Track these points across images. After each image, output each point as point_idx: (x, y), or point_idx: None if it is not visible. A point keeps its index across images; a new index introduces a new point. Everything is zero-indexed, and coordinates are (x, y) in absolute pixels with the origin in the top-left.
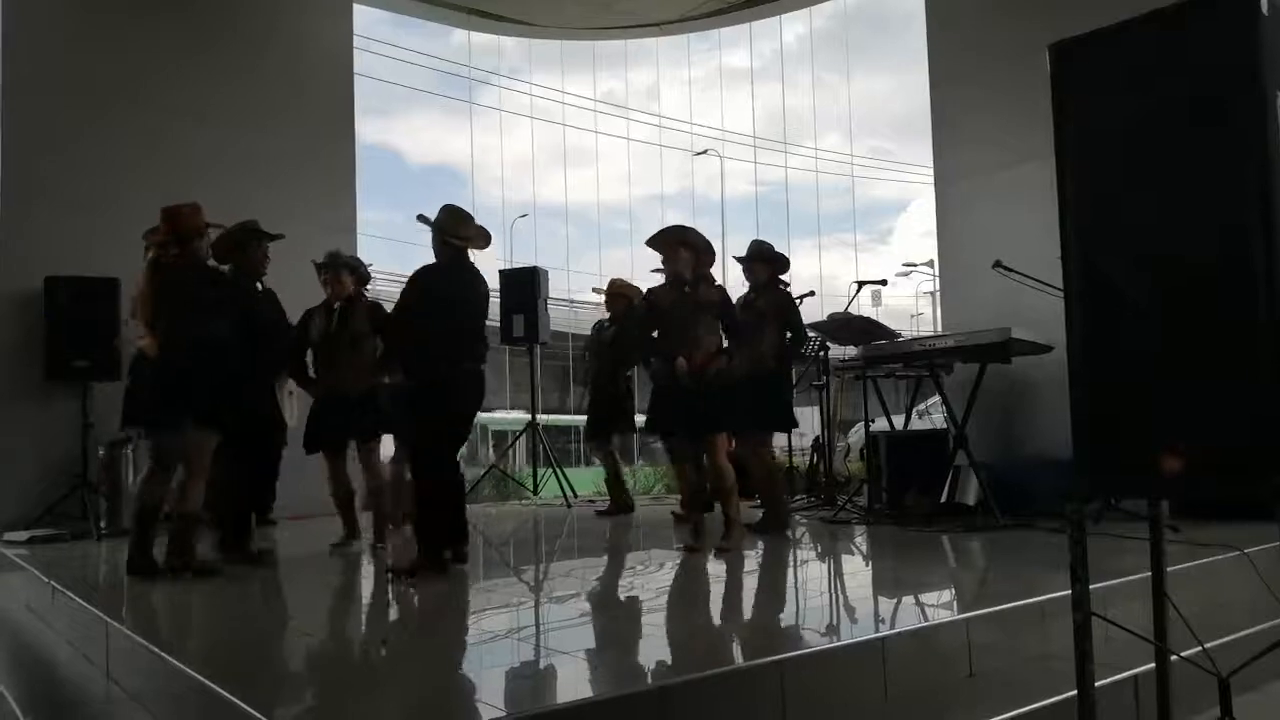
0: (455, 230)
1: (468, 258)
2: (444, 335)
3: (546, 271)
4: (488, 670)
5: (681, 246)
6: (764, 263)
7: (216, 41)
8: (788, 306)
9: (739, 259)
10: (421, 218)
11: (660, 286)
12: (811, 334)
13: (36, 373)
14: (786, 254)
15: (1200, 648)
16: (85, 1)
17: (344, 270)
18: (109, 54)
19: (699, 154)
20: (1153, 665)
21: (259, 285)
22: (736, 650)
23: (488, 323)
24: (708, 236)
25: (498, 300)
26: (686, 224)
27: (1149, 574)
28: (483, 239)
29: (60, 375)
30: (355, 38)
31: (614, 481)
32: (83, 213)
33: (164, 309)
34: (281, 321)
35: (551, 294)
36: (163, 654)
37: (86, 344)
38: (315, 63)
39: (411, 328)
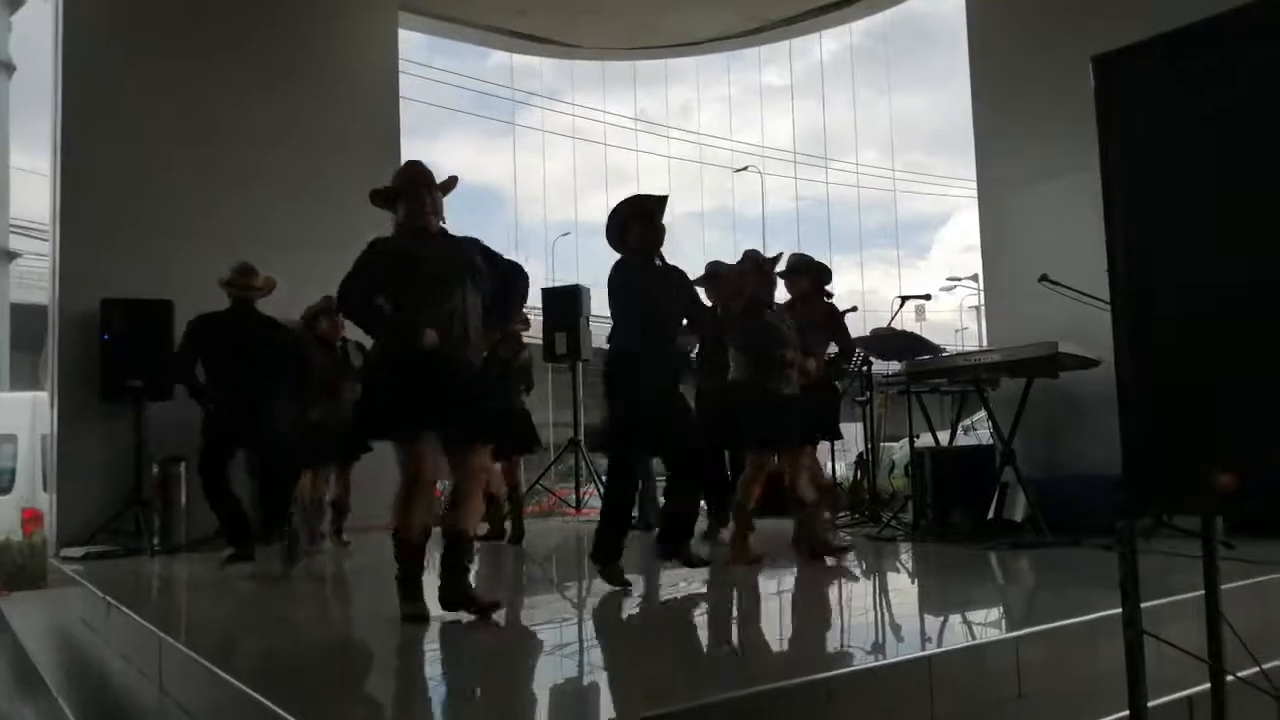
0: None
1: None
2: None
3: (589, 289)
4: (527, 688)
5: None
6: (804, 274)
7: (266, 70)
8: (830, 319)
9: (780, 274)
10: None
11: None
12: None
13: (93, 393)
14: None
15: (1257, 668)
16: (141, 31)
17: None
18: (163, 83)
19: (739, 170)
20: (1207, 685)
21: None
22: (781, 668)
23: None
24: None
25: (540, 318)
26: (726, 241)
27: (1202, 592)
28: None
29: (115, 395)
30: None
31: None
32: (138, 236)
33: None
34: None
35: (594, 311)
36: (215, 668)
37: (141, 365)
38: (363, 89)
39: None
